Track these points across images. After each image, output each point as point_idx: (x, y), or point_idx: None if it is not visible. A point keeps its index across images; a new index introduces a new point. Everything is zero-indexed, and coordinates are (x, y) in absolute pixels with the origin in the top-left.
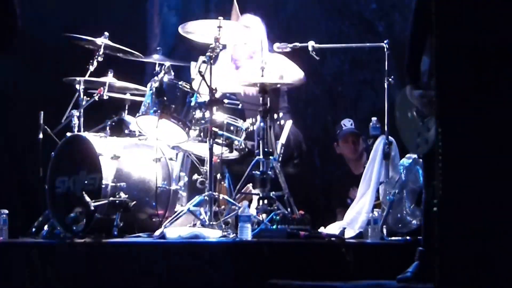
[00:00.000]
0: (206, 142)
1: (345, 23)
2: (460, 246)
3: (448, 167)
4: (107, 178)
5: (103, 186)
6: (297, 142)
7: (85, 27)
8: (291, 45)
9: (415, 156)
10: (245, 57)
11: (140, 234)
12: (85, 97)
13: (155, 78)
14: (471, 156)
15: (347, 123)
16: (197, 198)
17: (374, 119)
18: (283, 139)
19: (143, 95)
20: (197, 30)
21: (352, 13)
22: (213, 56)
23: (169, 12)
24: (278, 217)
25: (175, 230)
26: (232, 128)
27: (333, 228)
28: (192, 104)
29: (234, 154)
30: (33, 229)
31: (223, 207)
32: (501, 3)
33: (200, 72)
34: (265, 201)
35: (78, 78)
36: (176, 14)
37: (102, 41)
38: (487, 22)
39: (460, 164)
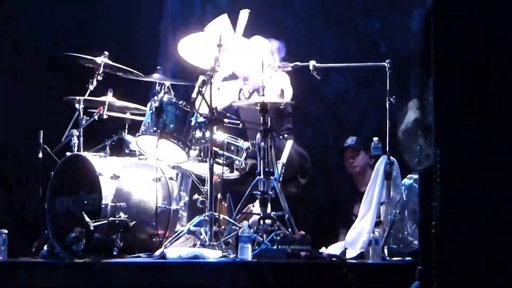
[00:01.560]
0: (206, 161)
1: (350, 42)
2: (457, 267)
3: (445, 186)
4: (107, 198)
5: (103, 206)
6: (301, 161)
7: (89, 46)
8: (292, 64)
9: (416, 176)
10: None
11: (140, 254)
12: (85, 116)
13: (155, 97)
14: (468, 176)
15: (348, 140)
16: (197, 218)
17: (375, 139)
18: (284, 158)
19: (143, 115)
20: (195, 53)
21: (357, 32)
22: (213, 75)
23: (177, 32)
24: (278, 238)
25: (175, 250)
26: (232, 147)
27: (334, 249)
28: (192, 123)
29: (235, 174)
30: (33, 249)
31: (223, 227)
32: (498, 22)
33: (200, 91)
34: (266, 221)
35: (78, 97)
36: (182, 32)
37: (102, 60)
38: (485, 41)
39: (457, 184)
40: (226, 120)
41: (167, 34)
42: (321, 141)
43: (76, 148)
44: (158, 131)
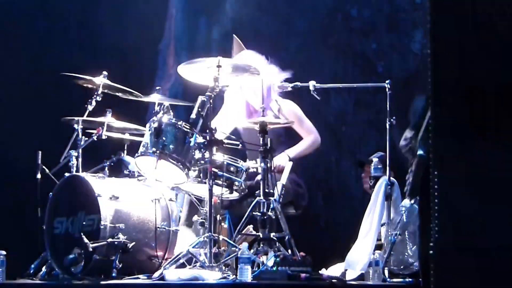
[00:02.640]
0: (205, 182)
1: (349, 62)
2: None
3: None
4: (106, 219)
5: (102, 227)
6: (295, 188)
7: (86, 66)
8: (292, 85)
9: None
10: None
11: (139, 276)
12: (83, 137)
13: (154, 118)
14: (466, 197)
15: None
16: (196, 240)
17: (375, 160)
18: (283, 179)
19: (142, 135)
20: (196, 71)
21: (355, 53)
22: (213, 96)
23: (181, 52)
24: (278, 259)
25: (175, 272)
26: (232, 168)
27: (334, 270)
28: (192, 144)
29: (235, 195)
30: (31, 271)
31: (223, 248)
32: (496, 43)
33: (199, 112)
34: (266, 243)
35: (76, 118)
36: (187, 54)
37: (101, 80)
38: (483, 62)
39: (454, 206)
40: (225, 141)
41: (167, 54)
42: (323, 162)
43: (74, 169)
44: (157, 152)
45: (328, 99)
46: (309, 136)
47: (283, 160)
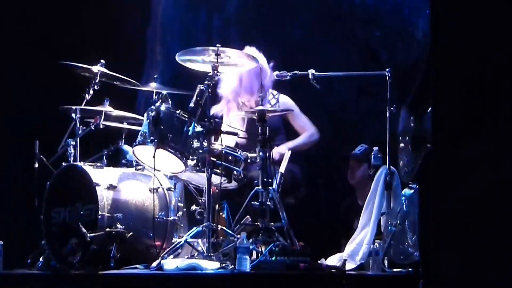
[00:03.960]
0: (204, 172)
1: (352, 51)
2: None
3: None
4: (104, 208)
5: (99, 217)
6: (293, 177)
7: (83, 54)
8: (290, 73)
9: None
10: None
11: (137, 266)
12: (81, 126)
13: (152, 107)
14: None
15: (356, 149)
16: (195, 229)
17: (375, 149)
18: (282, 168)
19: (140, 124)
20: (195, 58)
21: (358, 41)
22: (211, 84)
23: (172, 39)
24: (277, 249)
25: (173, 262)
26: (230, 158)
27: (333, 260)
28: (190, 133)
29: (233, 184)
30: (29, 261)
31: (221, 238)
32: (498, 34)
33: (198, 101)
34: (264, 233)
35: (74, 107)
36: (180, 42)
37: (98, 69)
38: (484, 54)
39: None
40: (224, 130)
41: (155, 42)
42: (324, 151)
43: (72, 158)
44: (156, 140)
45: (331, 88)
46: (307, 131)
47: (282, 149)
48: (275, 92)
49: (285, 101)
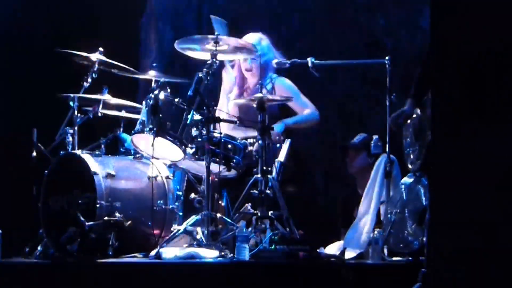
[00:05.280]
0: (203, 160)
1: (355, 39)
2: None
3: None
4: (102, 197)
5: (98, 205)
6: (296, 163)
7: (81, 42)
8: (289, 61)
9: (417, 175)
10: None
11: (135, 254)
12: (79, 114)
13: (151, 95)
14: (459, 180)
15: (355, 138)
16: (193, 218)
17: (375, 137)
18: (281, 157)
19: (139, 112)
20: (194, 46)
21: (361, 29)
22: (210, 72)
23: (164, 27)
24: (276, 237)
25: (171, 250)
26: (230, 146)
27: (333, 249)
28: (189, 121)
29: (232, 173)
30: (27, 249)
31: (220, 226)
32: (498, 23)
33: (196, 88)
34: (264, 221)
35: (72, 95)
36: (171, 30)
37: (96, 57)
38: (484, 43)
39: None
40: (223, 118)
41: (149, 30)
42: (328, 139)
43: (70, 147)
44: (154, 129)
45: (335, 76)
46: (305, 110)
47: (279, 127)
48: (274, 76)
49: (281, 84)
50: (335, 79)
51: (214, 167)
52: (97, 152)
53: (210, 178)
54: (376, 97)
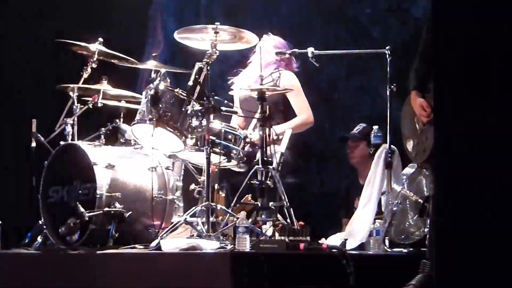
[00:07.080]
0: (203, 151)
1: (341, 28)
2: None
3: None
4: (102, 188)
5: (98, 196)
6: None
7: (81, 33)
8: (289, 51)
9: (418, 165)
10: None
11: (135, 245)
12: (79, 104)
13: (151, 85)
14: (464, 170)
15: (355, 129)
16: (194, 209)
17: (375, 127)
18: (282, 147)
19: (138, 103)
20: (193, 36)
21: (348, 18)
22: (210, 62)
23: (168, 18)
24: (277, 228)
25: (172, 241)
26: (230, 136)
27: (334, 239)
28: (189, 112)
29: (233, 164)
30: (26, 240)
31: (220, 217)
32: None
33: (196, 79)
34: (264, 212)
35: (71, 85)
36: (174, 21)
37: (96, 47)
38: (487, 30)
39: (453, 178)
40: (223, 108)
41: (157, 21)
42: (318, 130)
43: (70, 137)
44: (154, 119)
45: (321, 65)
46: (301, 115)
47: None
48: (281, 68)
49: (289, 77)
50: (320, 69)
51: (215, 158)
52: (97, 143)
53: (210, 168)
54: (362, 87)
